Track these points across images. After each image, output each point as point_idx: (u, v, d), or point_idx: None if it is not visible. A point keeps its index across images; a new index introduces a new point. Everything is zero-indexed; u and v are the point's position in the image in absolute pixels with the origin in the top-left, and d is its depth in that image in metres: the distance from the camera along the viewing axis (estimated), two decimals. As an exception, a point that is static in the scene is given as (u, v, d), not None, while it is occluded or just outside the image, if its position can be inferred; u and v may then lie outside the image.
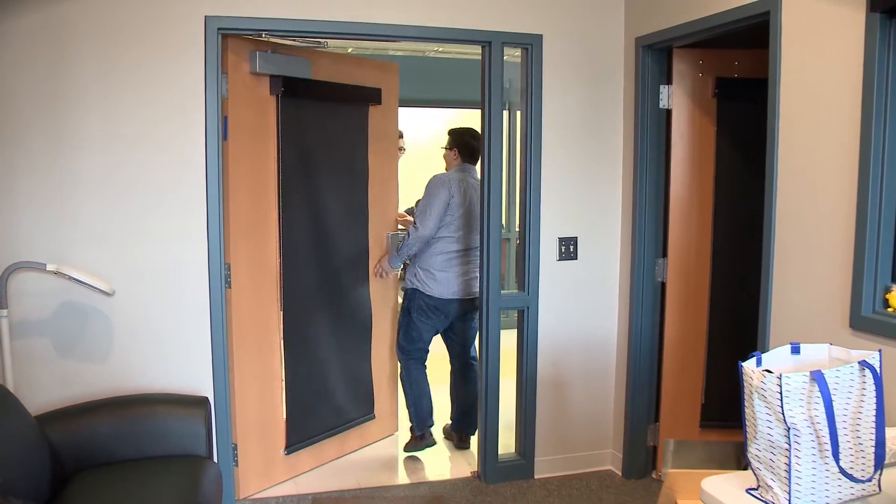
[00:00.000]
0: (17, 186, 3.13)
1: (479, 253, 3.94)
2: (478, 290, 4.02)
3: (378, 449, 4.46)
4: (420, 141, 6.88)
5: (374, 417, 4.42)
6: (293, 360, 3.89)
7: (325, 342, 4.05)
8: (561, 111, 3.83)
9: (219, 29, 3.28)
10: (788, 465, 1.80)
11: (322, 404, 4.08)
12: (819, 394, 1.77)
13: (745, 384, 1.93)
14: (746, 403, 1.94)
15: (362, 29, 3.52)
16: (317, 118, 3.90)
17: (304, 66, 3.77)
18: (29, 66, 3.09)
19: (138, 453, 2.91)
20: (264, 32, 3.36)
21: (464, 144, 4.32)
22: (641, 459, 3.98)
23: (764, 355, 2.04)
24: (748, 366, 1.95)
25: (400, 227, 4.52)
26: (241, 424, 3.61)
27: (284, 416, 3.87)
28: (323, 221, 3.99)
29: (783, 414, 1.78)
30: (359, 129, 4.17)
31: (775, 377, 1.80)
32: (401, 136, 4.70)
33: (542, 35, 3.74)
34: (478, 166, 4.06)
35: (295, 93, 3.73)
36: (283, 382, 3.86)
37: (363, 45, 5.95)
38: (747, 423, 1.96)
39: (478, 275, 4.03)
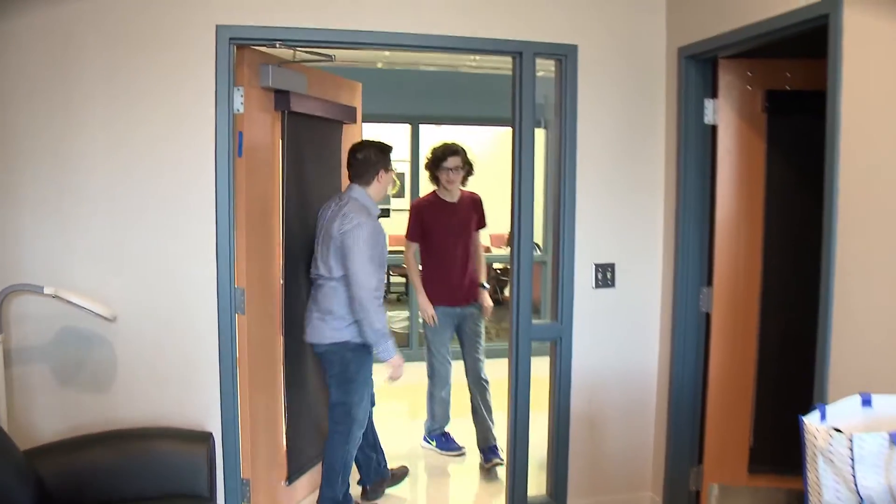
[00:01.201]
0: (18, 204, 2.97)
1: (320, 285, 3.58)
2: (313, 336, 3.59)
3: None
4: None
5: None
6: (293, 388, 3.75)
7: (315, 365, 3.87)
8: (597, 126, 3.59)
9: (230, 39, 3.09)
10: (861, 544, 1.51)
11: (315, 429, 3.98)
12: (900, 460, 1.48)
13: (808, 444, 1.65)
14: (809, 466, 1.66)
15: (388, 39, 3.33)
16: (309, 136, 3.76)
17: (303, 81, 3.63)
18: (32, 78, 2.94)
19: (135, 492, 2.72)
20: (279, 42, 3.17)
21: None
22: (683, 505, 3.68)
23: (829, 408, 1.75)
24: (811, 422, 1.66)
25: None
26: (253, 459, 3.40)
27: (285, 447, 3.73)
28: (314, 243, 3.79)
29: (856, 483, 1.50)
30: (336, 148, 4.07)
31: (845, 438, 1.51)
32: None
33: (577, 45, 3.51)
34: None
35: (296, 109, 3.58)
36: (285, 411, 3.71)
37: (394, 59, 5.77)
38: (810, 489, 1.67)
39: (314, 314, 3.59)
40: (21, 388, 2.98)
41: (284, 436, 3.72)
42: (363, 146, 3.67)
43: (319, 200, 3.78)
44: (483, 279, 4.62)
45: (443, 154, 4.44)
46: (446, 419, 4.78)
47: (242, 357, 3.32)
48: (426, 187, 4.78)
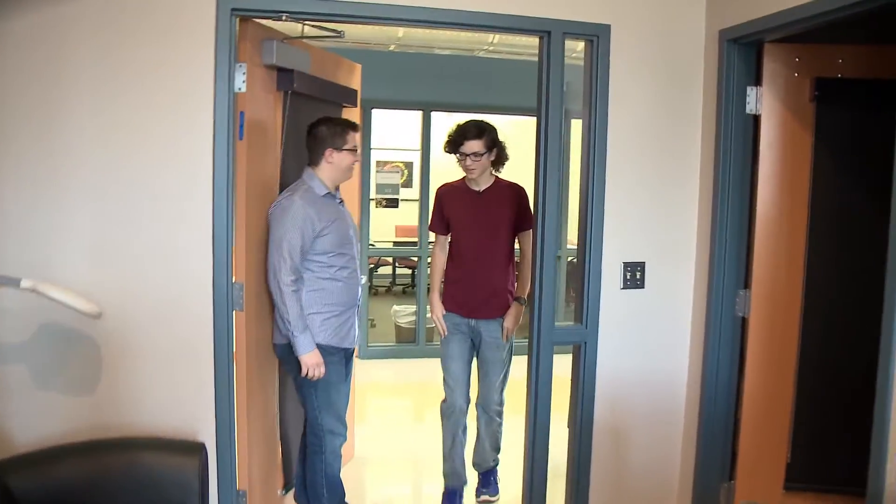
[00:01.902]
0: (1, 193, 2.71)
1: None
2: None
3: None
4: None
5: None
6: (286, 389, 3.54)
7: None
8: (629, 114, 3.31)
9: (232, 10, 2.82)
10: None
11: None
12: None
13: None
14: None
15: (404, 13, 3.05)
16: (309, 119, 3.38)
17: (307, 60, 3.37)
18: (14, 55, 2.67)
19: (118, 508, 2.46)
20: (285, 15, 2.89)
21: None
22: (713, 523, 3.44)
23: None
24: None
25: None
26: (249, 468, 3.17)
27: (280, 453, 3.53)
28: None
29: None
30: None
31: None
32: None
33: (609, 25, 3.23)
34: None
35: (299, 89, 3.33)
36: (280, 415, 3.51)
37: (407, 40, 5.50)
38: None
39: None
40: (-4, 390, 2.72)
41: (279, 441, 3.52)
42: (316, 123, 3.29)
43: None
44: (524, 291, 3.81)
45: (459, 136, 3.71)
46: (455, 477, 3.94)
47: (240, 358, 3.08)
48: (438, 178, 4.46)
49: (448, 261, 3.90)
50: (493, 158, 3.75)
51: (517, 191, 3.81)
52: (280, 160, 3.37)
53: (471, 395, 3.93)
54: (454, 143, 3.73)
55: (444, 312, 3.83)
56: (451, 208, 3.84)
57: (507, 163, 3.87)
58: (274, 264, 3.10)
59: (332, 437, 3.32)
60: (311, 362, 3.14)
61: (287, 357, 3.24)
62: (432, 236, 4.09)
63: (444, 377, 3.87)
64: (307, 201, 3.15)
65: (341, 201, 3.37)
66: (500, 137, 3.80)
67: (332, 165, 3.26)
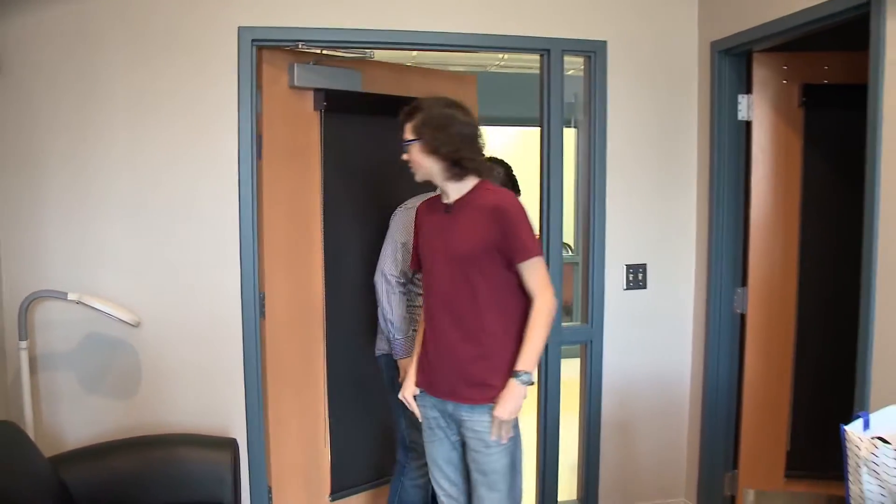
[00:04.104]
0: (42, 210, 2.96)
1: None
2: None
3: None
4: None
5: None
6: (339, 400, 3.56)
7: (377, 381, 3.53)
8: (627, 124, 3.49)
9: (253, 41, 3.06)
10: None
11: (376, 447, 3.68)
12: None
13: (850, 453, 1.56)
14: (851, 478, 1.57)
15: (410, 38, 3.26)
16: (369, 135, 3.51)
17: (352, 78, 3.46)
18: (55, 84, 2.92)
19: (158, 500, 2.68)
20: (301, 43, 3.12)
21: None
22: (718, 511, 3.58)
23: (872, 416, 1.66)
24: (854, 431, 1.58)
25: None
26: (278, 467, 3.35)
27: (329, 459, 3.54)
28: (374, 250, 3.47)
29: (903, 497, 1.42)
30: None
31: (891, 449, 1.43)
32: None
33: (605, 41, 3.42)
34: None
35: (341, 107, 3.42)
36: (328, 423, 3.53)
37: (421, 58, 5.71)
38: (852, 500, 1.59)
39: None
40: (46, 395, 2.97)
41: (328, 448, 3.53)
42: (500, 162, 3.26)
43: (385, 202, 3.40)
44: (527, 361, 2.44)
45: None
46: None
47: (266, 363, 3.27)
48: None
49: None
50: (435, 152, 2.48)
51: (495, 203, 2.46)
52: (322, 176, 3.42)
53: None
54: None
55: (417, 391, 2.68)
56: (420, 231, 2.72)
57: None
58: (379, 262, 3.15)
59: (412, 457, 3.21)
60: (403, 367, 3.06)
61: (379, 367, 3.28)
62: None
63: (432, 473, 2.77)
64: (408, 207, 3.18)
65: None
66: (467, 123, 2.55)
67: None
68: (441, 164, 2.49)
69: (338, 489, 3.56)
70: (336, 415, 3.54)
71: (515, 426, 2.54)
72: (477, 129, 2.55)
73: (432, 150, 2.47)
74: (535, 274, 2.46)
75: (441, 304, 2.55)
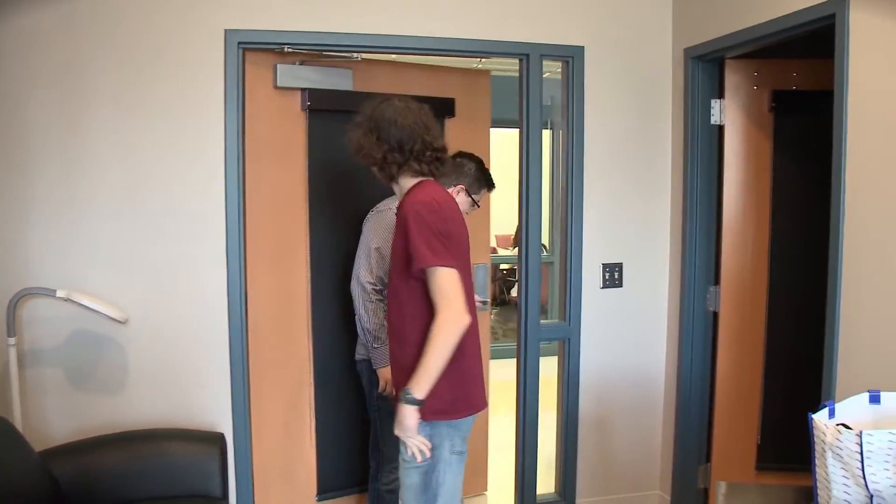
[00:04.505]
0: (31, 209, 2.99)
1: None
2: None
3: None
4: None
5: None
6: (325, 399, 3.60)
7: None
8: (604, 128, 3.59)
9: (239, 43, 3.11)
10: (871, 539, 1.53)
11: (364, 449, 3.59)
12: (908, 456, 1.49)
13: (817, 440, 1.66)
14: (818, 463, 1.67)
15: (392, 42, 3.33)
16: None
17: (342, 77, 3.49)
18: (44, 84, 2.96)
19: (147, 493, 2.73)
20: (287, 46, 3.19)
21: None
22: (691, 503, 3.68)
23: (838, 405, 1.76)
24: (820, 419, 1.68)
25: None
26: (264, 464, 3.40)
27: (316, 459, 3.58)
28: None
29: (864, 478, 1.52)
30: None
31: (854, 434, 1.53)
32: None
33: (583, 47, 3.52)
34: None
35: (327, 107, 3.46)
36: (314, 422, 3.57)
37: (412, 60, 5.76)
38: (819, 485, 1.69)
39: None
40: (35, 390, 3.00)
41: (315, 447, 3.58)
42: (471, 157, 3.26)
43: (371, 202, 3.38)
44: (411, 383, 2.27)
45: None
46: None
47: (250, 361, 3.30)
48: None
49: None
50: (366, 157, 2.47)
51: (400, 207, 2.42)
52: (307, 175, 3.47)
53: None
54: None
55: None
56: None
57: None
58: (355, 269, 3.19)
59: (388, 470, 3.19)
60: (386, 376, 3.08)
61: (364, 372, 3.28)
62: None
63: None
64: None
65: None
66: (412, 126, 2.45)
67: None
68: (375, 169, 2.49)
69: (324, 490, 3.61)
70: (322, 415, 3.59)
71: (436, 451, 2.37)
72: (416, 130, 2.42)
73: (364, 156, 2.46)
74: (432, 286, 2.28)
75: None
